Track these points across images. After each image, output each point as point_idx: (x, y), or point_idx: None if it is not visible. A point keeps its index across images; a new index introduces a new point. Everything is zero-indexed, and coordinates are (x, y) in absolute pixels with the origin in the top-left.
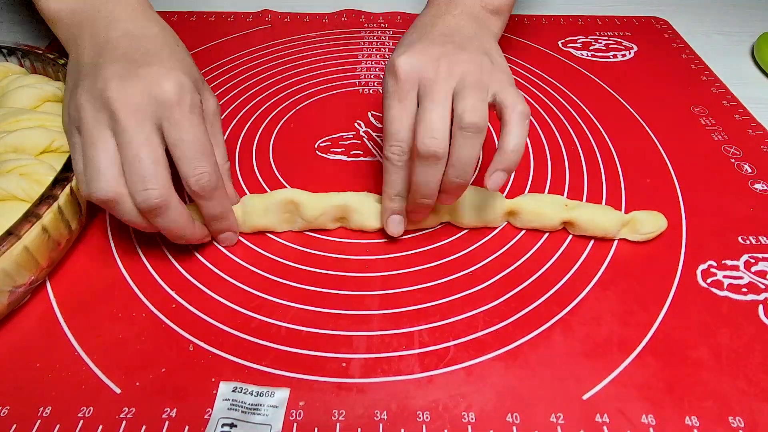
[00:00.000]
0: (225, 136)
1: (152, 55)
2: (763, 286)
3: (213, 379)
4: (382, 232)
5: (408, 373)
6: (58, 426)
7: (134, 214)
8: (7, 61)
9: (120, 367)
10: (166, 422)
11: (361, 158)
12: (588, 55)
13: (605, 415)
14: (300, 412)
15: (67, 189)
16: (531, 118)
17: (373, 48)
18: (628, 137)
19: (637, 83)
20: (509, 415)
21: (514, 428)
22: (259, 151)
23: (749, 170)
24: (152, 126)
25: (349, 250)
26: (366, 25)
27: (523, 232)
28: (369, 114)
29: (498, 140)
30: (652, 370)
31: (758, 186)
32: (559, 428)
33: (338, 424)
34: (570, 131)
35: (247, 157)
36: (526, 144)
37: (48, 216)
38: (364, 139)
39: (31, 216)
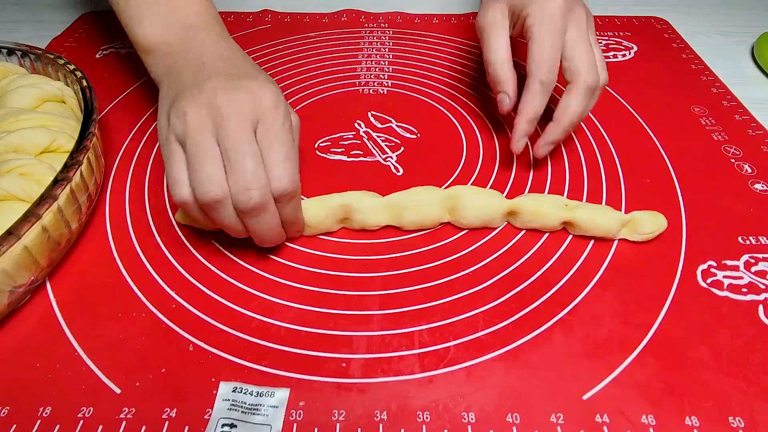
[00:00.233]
0: None
1: (247, 72)
2: (763, 286)
3: (213, 379)
4: (383, 230)
5: (408, 373)
6: (58, 426)
7: (233, 216)
8: (7, 61)
9: (120, 367)
10: (166, 422)
11: (361, 158)
12: None
13: (605, 415)
14: (300, 412)
15: (67, 189)
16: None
17: (373, 48)
18: (628, 137)
19: (637, 83)
20: (509, 415)
21: (514, 428)
22: None
23: (749, 170)
24: (252, 131)
25: (349, 250)
26: (366, 25)
27: (523, 232)
28: (369, 114)
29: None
30: (652, 370)
31: (758, 186)
32: (559, 428)
33: (338, 425)
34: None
35: None
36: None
37: (48, 216)
38: (364, 139)
39: (31, 216)
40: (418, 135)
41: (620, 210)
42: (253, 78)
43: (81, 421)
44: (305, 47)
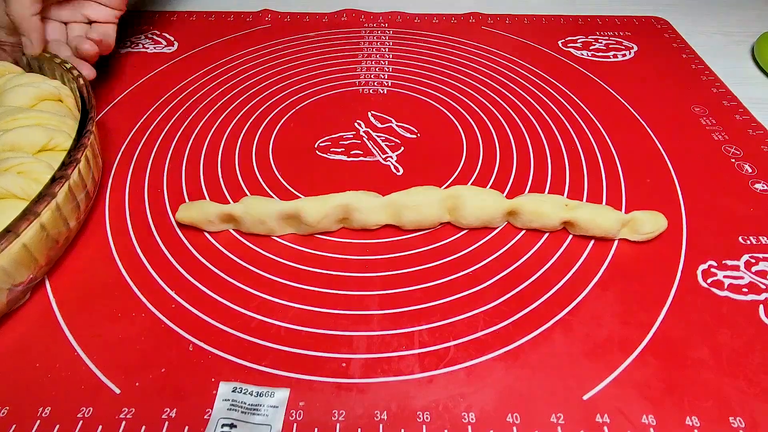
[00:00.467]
0: (225, 136)
1: None
2: (763, 286)
3: (213, 379)
4: (383, 230)
5: (408, 373)
6: (57, 426)
7: None
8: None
9: (120, 367)
10: (166, 422)
11: (361, 158)
12: (588, 55)
13: (605, 415)
14: (300, 412)
15: (65, 187)
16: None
17: (373, 48)
18: (628, 137)
19: (637, 83)
20: (509, 415)
21: (515, 428)
22: (259, 151)
23: (749, 170)
24: None
25: (349, 250)
26: (366, 25)
27: (523, 232)
28: (369, 114)
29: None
30: (652, 370)
31: (758, 186)
32: (559, 428)
33: (338, 425)
34: (570, 131)
35: (247, 157)
36: (526, 140)
37: (46, 214)
38: (364, 139)
39: (29, 214)
40: (418, 135)
41: (620, 210)
42: None
43: (81, 421)
44: (305, 47)
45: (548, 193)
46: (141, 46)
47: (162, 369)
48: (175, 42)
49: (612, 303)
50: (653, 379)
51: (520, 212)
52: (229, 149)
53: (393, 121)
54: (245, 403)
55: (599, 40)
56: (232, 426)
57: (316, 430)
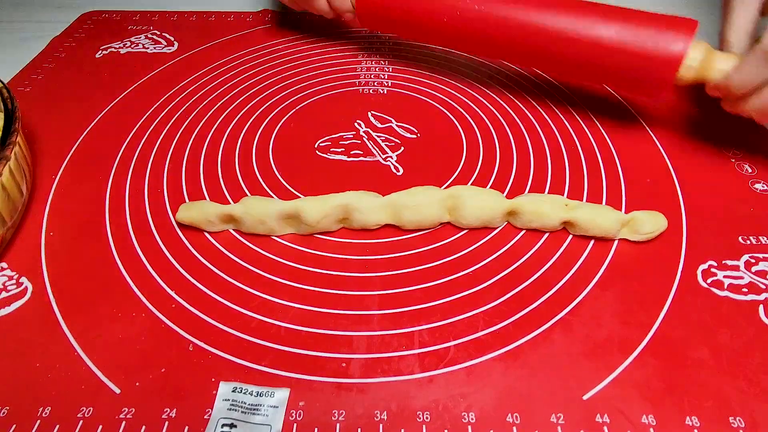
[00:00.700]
0: (225, 136)
1: None
2: (763, 286)
3: (213, 379)
4: (383, 230)
5: (408, 373)
6: (57, 426)
7: None
8: None
9: (120, 367)
10: (166, 422)
11: (361, 158)
12: None
13: (605, 415)
14: (300, 412)
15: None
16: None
17: (373, 48)
18: (629, 137)
19: None
20: (509, 415)
21: (515, 428)
22: (259, 151)
23: (749, 170)
24: None
25: (349, 250)
26: None
27: (523, 232)
28: (369, 114)
29: None
30: (652, 370)
31: (758, 186)
32: (559, 428)
33: (338, 425)
34: (570, 131)
35: (247, 157)
36: (526, 140)
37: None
38: (364, 139)
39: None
40: (418, 135)
41: (620, 210)
42: None
43: (81, 421)
44: (305, 47)
45: (548, 193)
46: (141, 46)
47: (162, 369)
48: (175, 42)
49: (612, 303)
50: (653, 379)
51: (520, 212)
52: (229, 149)
53: (393, 121)
54: (245, 403)
55: None
56: (232, 426)
57: (316, 430)
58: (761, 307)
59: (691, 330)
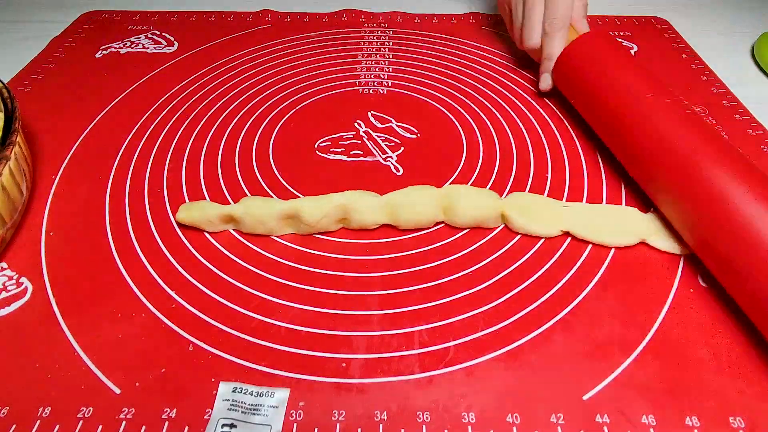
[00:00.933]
0: (225, 136)
1: None
2: None
3: (213, 380)
4: (383, 231)
5: (408, 374)
6: (57, 426)
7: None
8: None
9: (120, 367)
10: (166, 422)
11: (361, 158)
12: None
13: (605, 415)
14: (300, 413)
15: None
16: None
17: (373, 48)
18: None
19: None
20: (509, 415)
21: (515, 428)
22: (259, 151)
23: None
24: None
25: (349, 250)
26: (366, 25)
27: None
28: (369, 114)
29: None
30: (652, 370)
31: None
32: (559, 428)
33: (338, 425)
34: (570, 131)
35: (247, 157)
36: (526, 140)
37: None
38: (364, 139)
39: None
40: (418, 135)
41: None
42: None
43: (81, 421)
44: (305, 47)
45: (548, 193)
46: (141, 46)
47: (162, 369)
48: (175, 42)
49: (612, 303)
50: (653, 379)
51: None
52: (229, 149)
53: (393, 121)
54: (245, 403)
55: None
56: (232, 426)
57: (316, 430)
58: None
59: (691, 330)
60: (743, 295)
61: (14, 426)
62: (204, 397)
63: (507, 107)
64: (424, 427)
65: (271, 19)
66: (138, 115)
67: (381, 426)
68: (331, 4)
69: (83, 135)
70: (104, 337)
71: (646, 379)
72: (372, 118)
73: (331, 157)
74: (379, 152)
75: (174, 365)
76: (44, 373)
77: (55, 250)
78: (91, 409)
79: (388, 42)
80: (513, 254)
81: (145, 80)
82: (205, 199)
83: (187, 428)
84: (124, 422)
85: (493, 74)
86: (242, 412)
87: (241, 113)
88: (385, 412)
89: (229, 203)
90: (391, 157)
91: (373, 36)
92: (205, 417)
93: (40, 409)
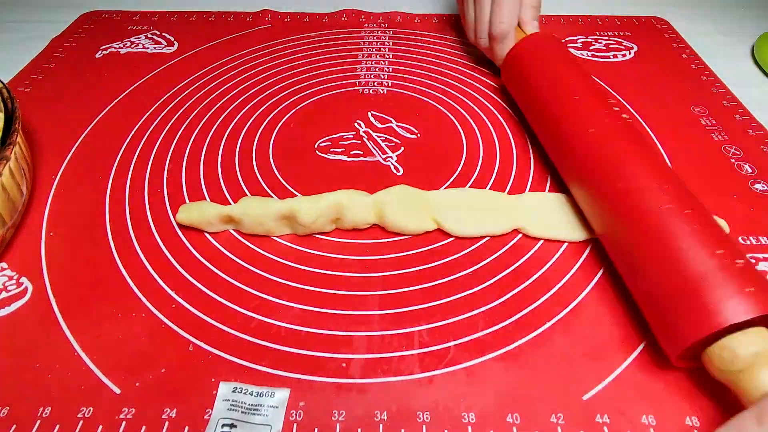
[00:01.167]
0: (225, 136)
1: None
2: None
3: (213, 380)
4: (383, 230)
5: (408, 374)
6: (57, 426)
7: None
8: None
9: (120, 367)
10: (166, 422)
11: (361, 158)
12: (588, 55)
13: (605, 415)
14: (300, 413)
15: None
16: None
17: (373, 48)
18: None
19: (637, 83)
20: (509, 415)
21: (515, 429)
22: (258, 151)
23: (749, 170)
24: None
25: (349, 250)
26: (366, 25)
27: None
28: (369, 114)
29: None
30: (652, 370)
31: (758, 186)
32: (559, 428)
33: (338, 425)
34: None
35: (247, 157)
36: (526, 141)
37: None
38: (364, 139)
39: None
40: (418, 135)
41: None
42: None
43: (81, 422)
44: (305, 47)
45: (548, 192)
46: (141, 46)
47: (162, 369)
48: (175, 42)
49: (612, 303)
50: (653, 379)
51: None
52: (229, 149)
53: (393, 121)
54: (245, 403)
55: (599, 40)
56: (232, 426)
57: (316, 430)
58: None
59: None
60: (636, 288)
61: (14, 426)
62: (204, 397)
63: (507, 107)
64: (424, 427)
65: (271, 19)
66: (138, 115)
67: (381, 426)
68: (331, 4)
69: (83, 135)
70: (104, 337)
71: (646, 378)
72: (372, 118)
73: (331, 157)
74: (379, 152)
75: (174, 365)
76: (44, 373)
77: (55, 250)
78: (91, 409)
79: (388, 42)
80: (513, 254)
81: (145, 80)
82: (205, 199)
83: (187, 428)
84: (124, 422)
85: (493, 74)
86: (242, 412)
87: (241, 113)
88: (385, 412)
89: (230, 203)
90: (391, 157)
91: (373, 36)
92: (205, 417)
93: (40, 409)
